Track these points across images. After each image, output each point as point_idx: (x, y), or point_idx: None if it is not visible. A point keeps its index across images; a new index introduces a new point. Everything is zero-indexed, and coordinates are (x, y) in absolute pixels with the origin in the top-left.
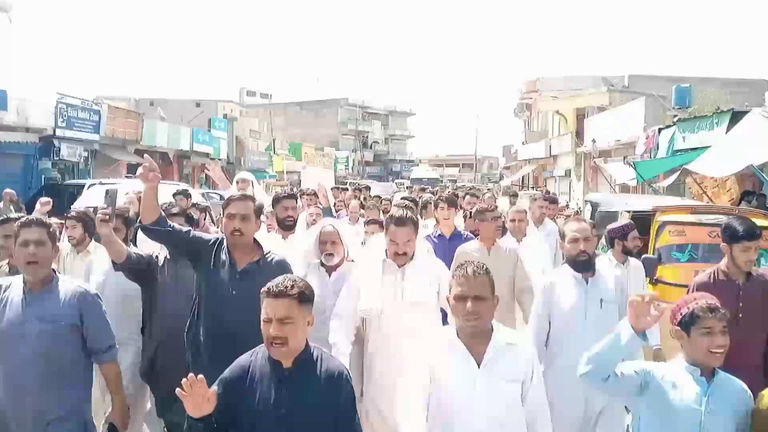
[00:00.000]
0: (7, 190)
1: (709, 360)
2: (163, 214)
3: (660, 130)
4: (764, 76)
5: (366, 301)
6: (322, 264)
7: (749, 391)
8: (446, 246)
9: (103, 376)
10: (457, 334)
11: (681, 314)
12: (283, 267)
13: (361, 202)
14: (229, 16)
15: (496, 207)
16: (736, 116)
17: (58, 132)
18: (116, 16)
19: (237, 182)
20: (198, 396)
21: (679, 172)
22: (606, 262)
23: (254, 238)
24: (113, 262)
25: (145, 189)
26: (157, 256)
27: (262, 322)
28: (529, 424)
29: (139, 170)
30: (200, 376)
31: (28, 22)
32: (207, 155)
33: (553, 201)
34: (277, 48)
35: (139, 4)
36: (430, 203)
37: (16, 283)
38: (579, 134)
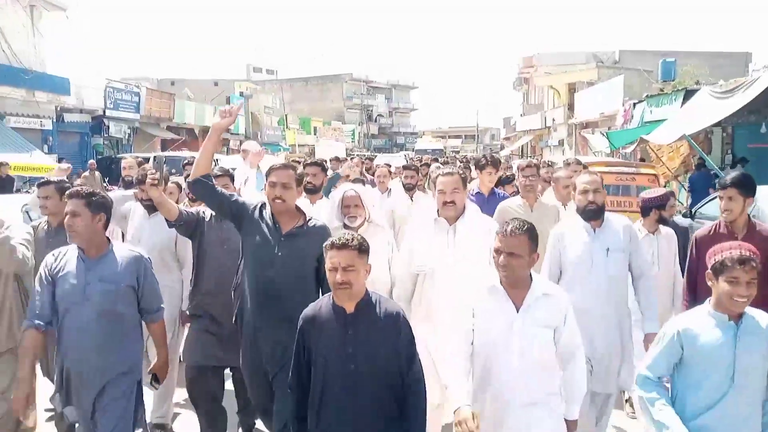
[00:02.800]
0: (91, 161)
1: (732, 307)
2: (210, 171)
3: (635, 104)
4: (746, 49)
5: (419, 259)
6: (345, 226)
7: None
8: (484, 203)
9: (150, 333)
10: (501, 282)
11: (713, 260)
12: (325, 231)
13: (362, 171)
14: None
15: (548, 165)
16: (689, 93)
17: (107, 112)
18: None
19: (242, 151)
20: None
21: (638, 140)
22: (626, 221)
23: (296, 205)
24: (166, 220)
25: (214, 129)
26: (204, 212)
27: (327, 272)
28: (564, 362)
29: (221, 109)
30: None
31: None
32: (228, 131)
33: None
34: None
35: None
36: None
37: (72, 250)
38: (571, 107)
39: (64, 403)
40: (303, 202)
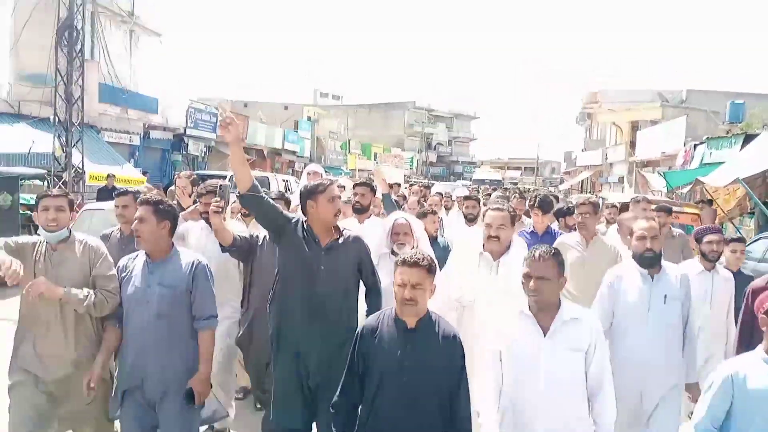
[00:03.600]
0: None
1: None
2: (255, 181)
3: (696, 145)
4: None
5: (458, 289)
6: (393, 253)
7: None
8: (537, 242)
9: (198, 342)
10: (529, 307)
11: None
12: (359, 240)
13: (419, 199)
14: (303, 20)
15: (599, 202)
16: (749, 138)
17: (188, 131)
18: (208, 27)
19: (308, 174)
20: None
21: (694, 181)
22: (691, 266)
23: None
24: (221, 245)
25: (231, 146)
26: (257, 236)
27: (396, 287)
28: (592, 392)
29: (220, 122)
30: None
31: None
32: (294, 153)
33: (667, 211)
34: (348, 51)
35: (224, 18)
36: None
37: (141, 255)
38: (633, 144)
39: (119, 406)
40: (351, 221)
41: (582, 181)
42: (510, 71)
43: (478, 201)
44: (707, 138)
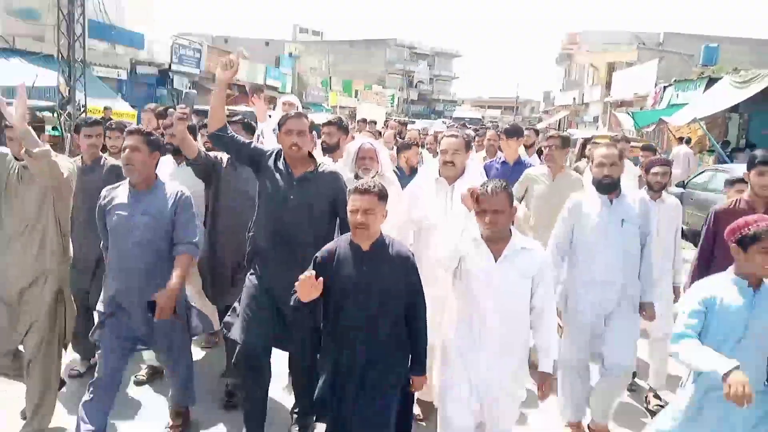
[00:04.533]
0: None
1: (763, 274)
2: (226, 122)
3: (665, 87)
4: None
5: (418, 210)
6: (356, 177)
7: None
8: (509, 171)
9: (175, 263)
10: (481, 235)
11: (741, 233)
12: (336, 176)
13: (395, 135)
14: None
15: (569, 137)
16: (712, 81)
17: (173, 66)
18: None
19: (283, 104)
20: (309, 287)
21: (658, 121)
22: (641, 194)
23: (309, 152)
24: (186, 158)
25: (217, 86)
26: (221, 158)
27: (349, 213)
28: (536, 315)
29: (222, 61)
30: (311, 272)
31: None
32: (276, 89)
33: (627, 141)
34: None
35: None
36: (478, 137)
37: (125, 184)
38: (609, 85)
39: (101, 332)
40: (326, 161)
41: (559, 120)
42: (492, 10)
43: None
44: (675, 80)
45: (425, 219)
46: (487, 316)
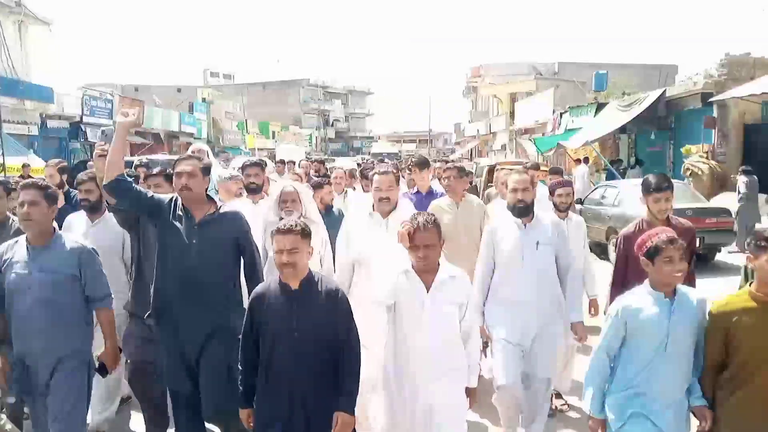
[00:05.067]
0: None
1: (672, 281)
2: (124, 171)
3: (561, 114)
4: (674, 62)
5: (355, 246)
6: (281, 220)
7: (701, 297)
8: (423, 202)
9: (99, 321)
10: (413, 266)
11: (646, 247)
12: (237, 216)
13: (313, 172)
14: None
15: (464, 167)
16: (601, 107)
17: (85, 119)
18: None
19: (192, 152)
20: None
21: (556, 146)
22: (554, 217)
23: (207, 195)
24: (107, 203)
25: (119, 130)
26: (162, 199)
27: (275, 254)
28: (464, 337)
29: (118, 108)
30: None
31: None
32: (191, 135)
33: (537, 168)
34: (238, 29)
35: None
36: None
37: (22, 241)
38: (512, 114)
39: (17, 391)
40: (245, 201)
41: (471, 149)
42: (400, 47)
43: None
44: (569, 107)
45: (362, 254)
46: (420, 344)
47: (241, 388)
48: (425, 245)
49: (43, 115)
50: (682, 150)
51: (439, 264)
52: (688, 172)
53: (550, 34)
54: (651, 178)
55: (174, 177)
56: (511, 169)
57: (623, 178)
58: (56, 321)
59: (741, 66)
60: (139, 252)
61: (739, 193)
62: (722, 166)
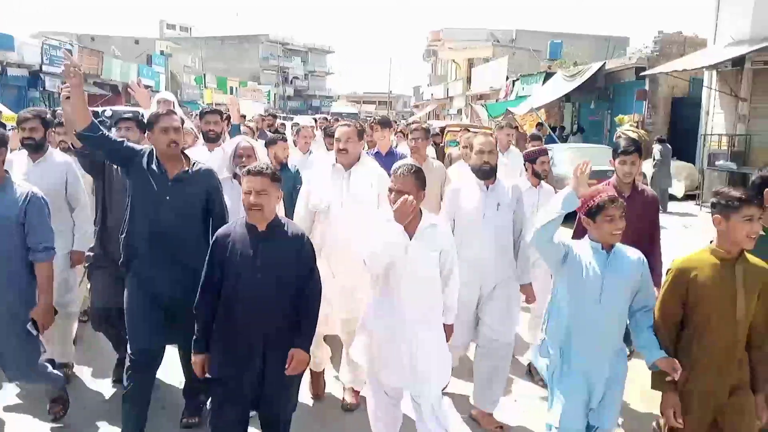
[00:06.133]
0: None
1: (611, 240)
2: (94, 120)
3: (513, 81)
4: (626, 34)
5: (315, 196)
6: (235, 176)
7: (643, 258)
8: (382, 162)
9: (36, 274)
10: (395, 217)
11: (588, 206)
12: (210, 174)
13: (267, 128)
14: None
15: (429, 128)
16: (549, 76)
17: (44, 68)
18: None
19: (158, 102)
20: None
21: (505, 111)
22: (521, 183)
23: (181, 150)
24: (73, 147)
25: (71, 90)
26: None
27: (243, 195)
28: (444, 279)
29: (63, 68)
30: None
31: None
32: (150, 88)
33: (516, 128)
34: None
35: None
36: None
37: None
38: (469, 80)
39: None
40: (201, 149)
41: (429, 113)
42: (363, 7)
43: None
44: (520, 75)
45: (322, 203)
46: (405, 288)
47: (197, 333)
48: (398, 191)
49: (4, 63)
50: (616, 119)
51: (421, 213)
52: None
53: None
54: (620, 141)
55: (158, 132)
56: (469, 131)
57: (565, 143)
58: (3, 268)
59: (672, 43)
60: (104, 200)
61: (654, 159)
62: (650, 135)
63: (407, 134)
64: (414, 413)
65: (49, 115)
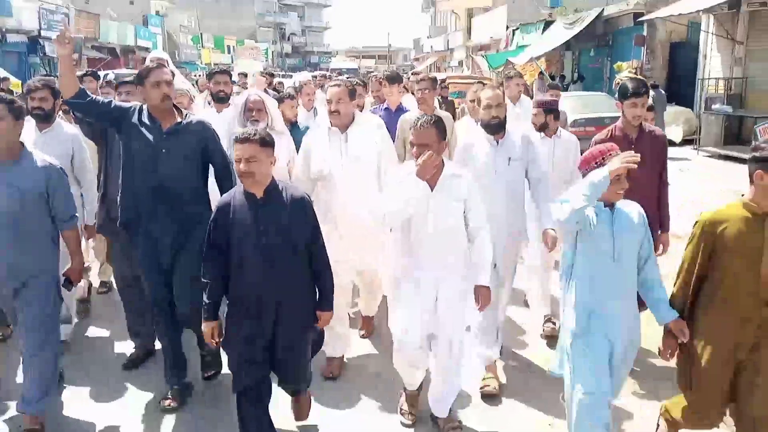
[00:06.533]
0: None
1: (615, 198)
2: (81, 87)
3: (513, 31)
4: None
5: (316, 163)
6: None
7: (641, 211)
8: (392, 118)
9: (64, 240)
10: (418, 173)
11: (596, 162)
12: (204, 125)
13: (265, 88)
14: None
15: (436, 78)
16: (548, 25)
17: (43, 33)
18: None
19: (151, 60)
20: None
21: (506, 62)
22: (536, 136)
23: (173, 103)
24: (75, 116)
25: (61, 58)
26: (123, 106)
27: (234, 163)
28: (471, 233)
29: (55, 37)
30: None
31: None
32: (147, 49)
33: (521, 76)
34: None
35: None
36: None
37: None
38: (469, 31)
39: None
40: (209, 110)
41: (429, 65)
42: None
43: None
44: (520, 24)
45: (324, 170)
46: (427, 240)
47: (206, 300)
48: (420, 144)
49: (3, 30)
50: (615, 66)
51: (443, 163)
52: (618, 86)
53: None
54: (628, 83)
55: (150, 86)
56: (472, 83)
57: (566, 91)
58: (24, 239)
59: None
60: (106, 167)
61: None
62: (648, 80)
63: (410, 88)
64: (431, 354)
65: (57, 84)
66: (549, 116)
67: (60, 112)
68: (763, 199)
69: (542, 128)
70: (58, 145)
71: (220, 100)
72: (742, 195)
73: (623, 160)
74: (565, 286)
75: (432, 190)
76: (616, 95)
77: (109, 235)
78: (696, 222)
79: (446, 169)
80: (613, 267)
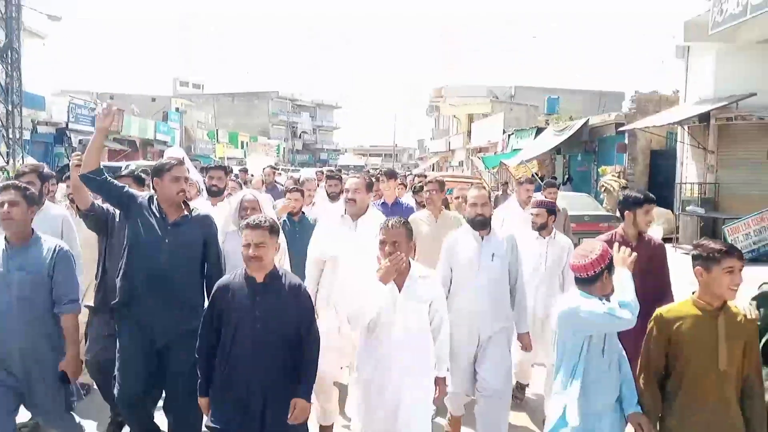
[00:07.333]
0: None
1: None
2: (101, 165)
3: (509, 135)
4: (622, 89)
5: (323, 246)
6: (241, 230)
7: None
8: (388, 212)
9: (62, 325)
10: (380, 277)
11: (607, 261)
12: (208, 219)
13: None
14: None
15: (443, 181)
16: (540, 131)
17: (70, 125)
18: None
19: (169, 159)
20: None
21: (499, 164)
22: (528, 234)
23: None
24: (78, 209)
25: (98, 131)
26: (113, 210)
27: (242, 247)
28: (434, 330)
29: (99, 112)
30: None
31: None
32: (165, 143)
33: (531, 182)
34: (209, 40)
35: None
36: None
37: (0, 239)
38: (469, 134)
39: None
40: (204, 203)
41: (432, 165)
42: (368, 64)
43: (340, 179)
44: (515, 130)
45: (331, 251)
46: (392, 341)
47: (200, 377)
48: (391, 242)
49: (35, 122)
50: (600, 170)
51: (410, 265)
52: (603, 189)
53: (509, 60)
54: (638, 192)
55: (169, 181)
56: (465, 182)
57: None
58: (35, 318)
59: (648, 102)
60: (105, 253)
61: None
62: (630, 184)
63: (409, 185)
64: None
65: (46, 169)
66: (550, 217)
67: (68, 203)
68: (705, 295)
69: (542, 227)
70: (46, 225)
71: (213, 193)
72: (693, 293)
73: (620, 257)
74: (565, 382)
75: (399, 291)
76: (619, 204)
77: (102, 321)
78: (652, 317)
79: (413, 270)
80: (602, 361)
